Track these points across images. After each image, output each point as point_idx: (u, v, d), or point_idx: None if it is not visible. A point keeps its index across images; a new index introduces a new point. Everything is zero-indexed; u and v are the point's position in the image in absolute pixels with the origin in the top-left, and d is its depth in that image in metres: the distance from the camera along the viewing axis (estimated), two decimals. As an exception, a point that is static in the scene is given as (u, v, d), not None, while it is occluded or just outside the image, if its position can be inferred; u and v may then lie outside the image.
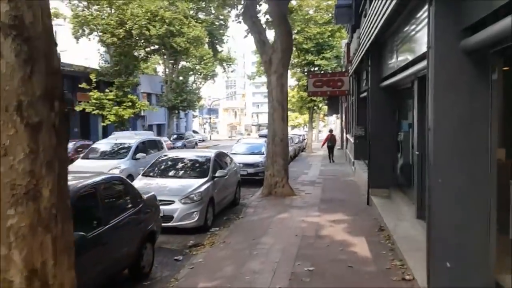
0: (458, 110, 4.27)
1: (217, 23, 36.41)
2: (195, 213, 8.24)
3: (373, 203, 9.45)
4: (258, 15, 12.42)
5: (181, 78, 36.27)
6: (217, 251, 6.89)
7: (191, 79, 44.61)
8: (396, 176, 9.74)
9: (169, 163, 9.98)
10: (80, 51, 32.22)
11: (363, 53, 10.50)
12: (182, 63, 39.55)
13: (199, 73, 44.14)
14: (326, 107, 40.77)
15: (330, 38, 29.11)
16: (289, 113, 70.64)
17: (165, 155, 10.47)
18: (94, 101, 26.72)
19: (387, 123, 9.81)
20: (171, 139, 34.81)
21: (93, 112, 26.97)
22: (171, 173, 9.55)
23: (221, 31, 38.11)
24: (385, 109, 9.78)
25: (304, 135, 37.82)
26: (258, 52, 12.40)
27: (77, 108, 26.67)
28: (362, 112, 14.52)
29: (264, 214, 9.59)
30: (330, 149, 22.80)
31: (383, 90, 9.70)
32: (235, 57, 50.15)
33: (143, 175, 9.52)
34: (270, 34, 12.34)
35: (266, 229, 8.03)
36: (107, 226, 4.95)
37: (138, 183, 8.99)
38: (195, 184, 8.76)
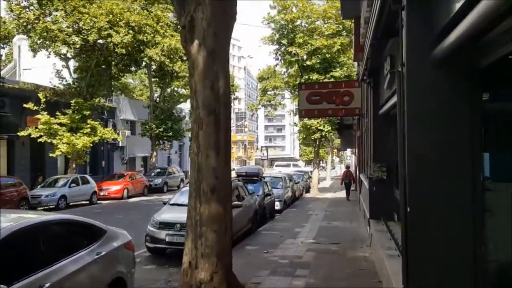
0: None
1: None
2: None
3: None
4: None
5: (165, 103, 30.74)
6: None
7: (187, 106, 39.16)
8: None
9: None
10: (49, 68, 27.24)
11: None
12: (182, 91, 33.85)
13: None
14: (339, 139, 34.71)
15: (340, 54, 23.31)
16: (303, 147, 63.64)
17: None
18: (42, 126, 21.27)
19: (451, 157, 3.68)
20: (152, 174, 28.94)
21: (39, 140, 21.38)
22: None
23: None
24: (449, 117, 3.67)
25: (309, 172, 31.38)
26: (175, 14, 6.50)
27: (22, 134, 21.17)
28: (381, 140, 8.44)
29: None
30: (347, 186, 22.45)
31: (437, 66, 3.60)
32: (239, 84, 44.71)
33: None
34: None
35: None
36: None
37: None
38: None
